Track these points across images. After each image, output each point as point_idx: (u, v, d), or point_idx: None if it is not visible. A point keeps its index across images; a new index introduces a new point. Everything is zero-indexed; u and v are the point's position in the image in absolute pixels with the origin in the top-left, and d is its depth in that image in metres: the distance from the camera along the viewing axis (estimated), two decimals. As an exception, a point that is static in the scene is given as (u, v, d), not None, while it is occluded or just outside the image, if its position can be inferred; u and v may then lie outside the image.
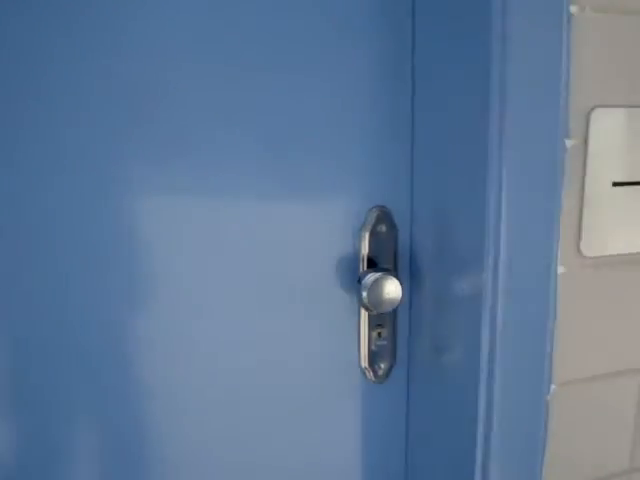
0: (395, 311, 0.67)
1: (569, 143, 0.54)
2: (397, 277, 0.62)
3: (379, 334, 0.67)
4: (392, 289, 0.61)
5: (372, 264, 0.65)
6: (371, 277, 0.62)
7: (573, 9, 0.52)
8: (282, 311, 0.64)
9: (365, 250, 0.65)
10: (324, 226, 0.64)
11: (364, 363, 0.67)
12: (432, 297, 0.63)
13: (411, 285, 0.67)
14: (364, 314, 0.66)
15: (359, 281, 0.63)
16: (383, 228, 0.65)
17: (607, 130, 0.54)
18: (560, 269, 0.56)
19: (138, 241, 0.57)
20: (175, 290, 0.59)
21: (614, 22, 0.53)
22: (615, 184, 0.56)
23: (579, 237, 0.56)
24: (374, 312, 0.64)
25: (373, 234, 0.64)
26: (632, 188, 0.56)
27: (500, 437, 0.56)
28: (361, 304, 0.63)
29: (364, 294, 0.61)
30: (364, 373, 0.68)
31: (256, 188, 0.60)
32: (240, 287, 0.61)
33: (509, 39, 0.51)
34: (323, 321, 0.65)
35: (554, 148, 0.53)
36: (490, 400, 0.56)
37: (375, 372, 0.68)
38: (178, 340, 0.60)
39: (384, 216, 0.65)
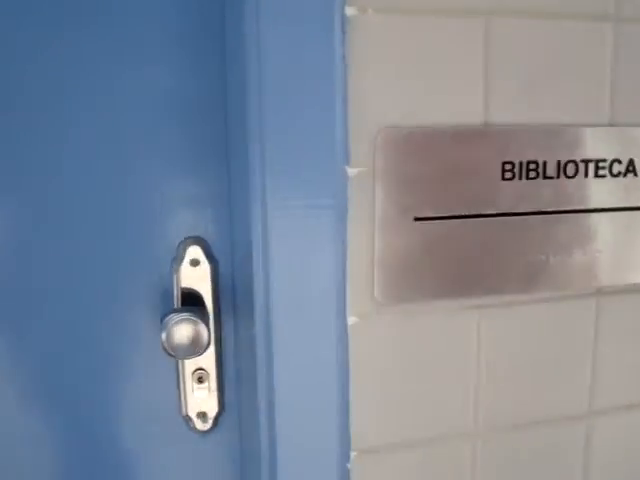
0: (219, 352, 0.60)
1: (351, 171, 0.45)
2: (216, 316, 0.56)
3: (199, 379, 0.60)
4: (194, 333, 0.54)
5: (191, 300, 0.58)
6: (172, 318, 0.55)
7: (350, 11, 0.44)
8: (93, 349, 0.58)
9: (179, 286, 0.58)
10: (134, 259, 0.58)
11: (185, 411, 0.60)
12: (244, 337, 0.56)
13: (235, 324, 0.59)
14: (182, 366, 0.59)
15: (161, 321, 0.56)
16: (200, 262, 0.58)
17: (399, 154, 0.46)
18: (350, 318, 0.47)
19: None
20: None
21: (402, 24, 0.45)
22: (418, 219, 0.47)
23: (372, 283, 0.47)
24: (177, 358, 0.57)
25: (188, 268, 0.58)
26: (439, 224, 0.47)
27: None
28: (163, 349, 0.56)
29: (162, 337, 0.55)
30: (187, 422, 0.61)
31: (60, 210, 0.55)
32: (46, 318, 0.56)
33: (265, 53, 0.43)
34: (135, 362, 0.59)
35: (330, 179, 0.45)
36: (274, 466, 0.48)
37: (200, 421, 0.61)
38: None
39: (202, 248, 0.58)
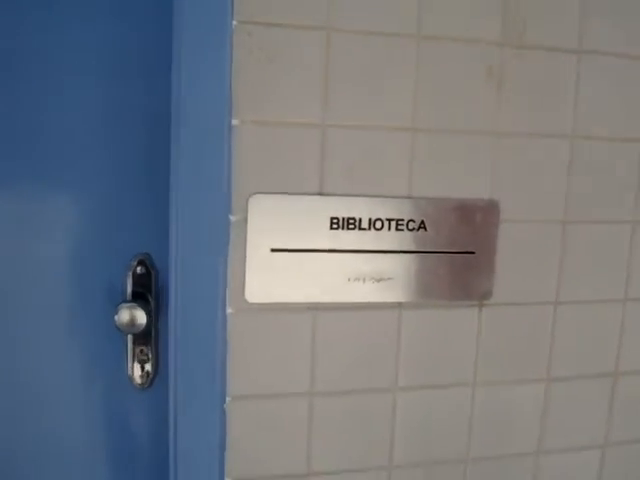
0: (154, 334, 0.87)
1: (233, 218, 0.74)
2: (149, 307, 0.83)
3: (141, 351, 0.88)
4: (134, 316, 0.82)
5: (138, 297, 0.86)
6: (122, 306, 0.83)
7: (235, 122, 0.73)
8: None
9: (130, 287, 0.86)
10: (100, 268, 0.86)
11: (129, 372, 0.88)
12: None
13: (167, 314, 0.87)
14: (130, 337, 0.87)
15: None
16: (144, 270, 0.86)
17: (263, 209, 0.74)
18: (229, 309, 0.75)
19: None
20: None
21: (269, 132, 0.73)
22: (273, 250, 0.75)
23: (243, 288, 0.75)
24: (125, 333, 0.85)
25: (136, 275, 0.86)
26: (287, 254, 0.75)
27: (183, 440, 0.76)
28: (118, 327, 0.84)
29: (115, 319, 0.83)
30: (130, 380, 0.88)
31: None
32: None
33: (182, 146, 0.72)
34: (98, 339, 0.87)
35: (220, 222, 0.73)
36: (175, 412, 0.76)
37: (141, 380, 0.88)
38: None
39: (146, 260, 0.86)
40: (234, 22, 0.71)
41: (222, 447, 0.78)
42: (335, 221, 0.76)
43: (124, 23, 0.81)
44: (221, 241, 0.74)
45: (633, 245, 0.89)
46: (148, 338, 0.87)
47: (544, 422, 0.90)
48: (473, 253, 0.81)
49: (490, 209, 0.81)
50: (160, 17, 0.79)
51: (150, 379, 0.89)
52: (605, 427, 0.94)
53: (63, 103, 0.81)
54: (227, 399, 0.77)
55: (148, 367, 0.88)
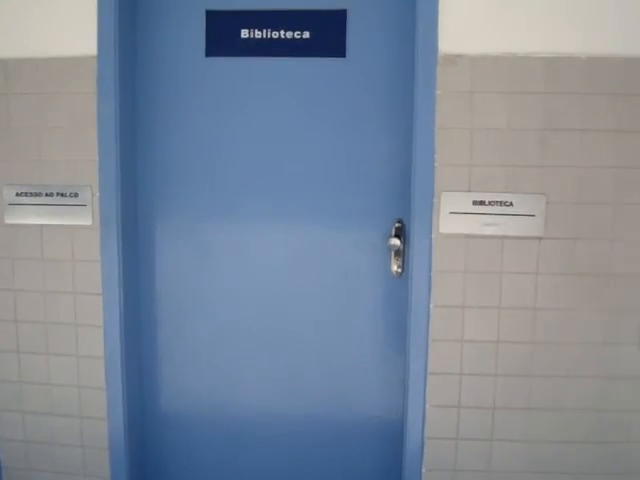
0: (403, 251, 1.99)
1: (435, 201, 1.83)
2: (401, 240, 1.97)
3: (397, 259, 2.01)
4: (395, 243, 1.96)
5: (396, 235, 2.00)
6: (390, 239, 1.97)
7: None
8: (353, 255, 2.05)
9: (394, 230, 1.99)
10: (386, 224, 2.02)
11: (392, 268, 2.02)
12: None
13: (408, 243, 1.98)
14: (392, 252, 2.01)
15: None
16: (400, 224, 2.00)
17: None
18: (433, 234, 1.85)
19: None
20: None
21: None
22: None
23: (439, 224, 1.84)
24: (391, 250, 1.99)
25: (396, 226, 1.99)
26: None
27: (412, 300, 1.88)
28: (388, 248, 1.99)
29: (388, 243, 1.98)
30: (393, 272, 2.02)
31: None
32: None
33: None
34: (380, 254, 2.03)
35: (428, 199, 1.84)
36: (411, 288, 1.89)
37: (397, 272, 2.02)
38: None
39: (402, 220, 1.99)
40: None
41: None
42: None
43: None
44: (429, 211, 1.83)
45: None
46: (401, 252, 2.01)
47: None
48: None
49: None
50: None
51: (401, 273, 2.02)
52: None
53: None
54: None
55: (399, 267, 2.01)
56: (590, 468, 1.89)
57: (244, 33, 1.95)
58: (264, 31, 1.95)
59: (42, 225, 1.97)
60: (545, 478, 1.91)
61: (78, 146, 1.93)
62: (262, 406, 2.11)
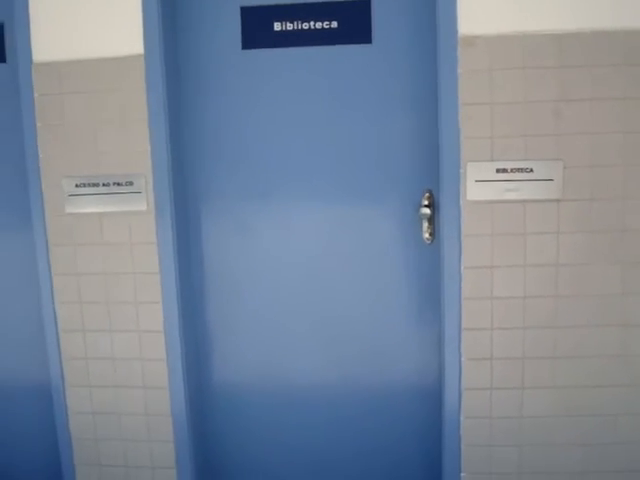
0: (433, 220, 2.17)
1: (462, 171, 2.01)
2: (432, 209, 2.14)
3: (428, 227, 2.19)
4: (425, 212, 2.13)
5: (427, 206, 2.17)
6: (421, 209, 2.15)
7: (462, 134, 2.00)
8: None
9: (425, 200, 2.16)
10: (416, 194, 2.19)
11: (424, 236, 2.20)
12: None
13: (438, 212, 2.16)
14: (425, 222, 2.18)
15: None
16: (429, 195, 2.17)
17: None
18: (461, 201, 2.02)
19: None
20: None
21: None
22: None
23: (466, 192, 2.02)
24: (422, 219, 2.16)
25: (426, 196, 2.17)
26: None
27: (444, 263, 2.06)
28: (419, 217, 2.16)
29: (419, 212, 2.15)
30: (424, 240, 2.20)
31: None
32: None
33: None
34: (412, 223, 2.21)
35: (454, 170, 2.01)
36: (442, 252, 2.07)
37: (428, 240, 2.20)
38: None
39: (432, 191, 2.17)
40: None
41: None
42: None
43: None
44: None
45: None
46: (431, 221, 2.18)
47: None
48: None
49: None
50: None
51: (432, 239, 2.19)
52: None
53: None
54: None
55: (430, 235, 2.19)
56: (614, 409, 2.07)
57: (277, 26, 2.11)
58: (295, 23, 2.11)
59: (101, 213, 2.14)
60: (572, 421, 2.09)
61: (130, 138, 2.10)
62: (308, 371, 2.29)
